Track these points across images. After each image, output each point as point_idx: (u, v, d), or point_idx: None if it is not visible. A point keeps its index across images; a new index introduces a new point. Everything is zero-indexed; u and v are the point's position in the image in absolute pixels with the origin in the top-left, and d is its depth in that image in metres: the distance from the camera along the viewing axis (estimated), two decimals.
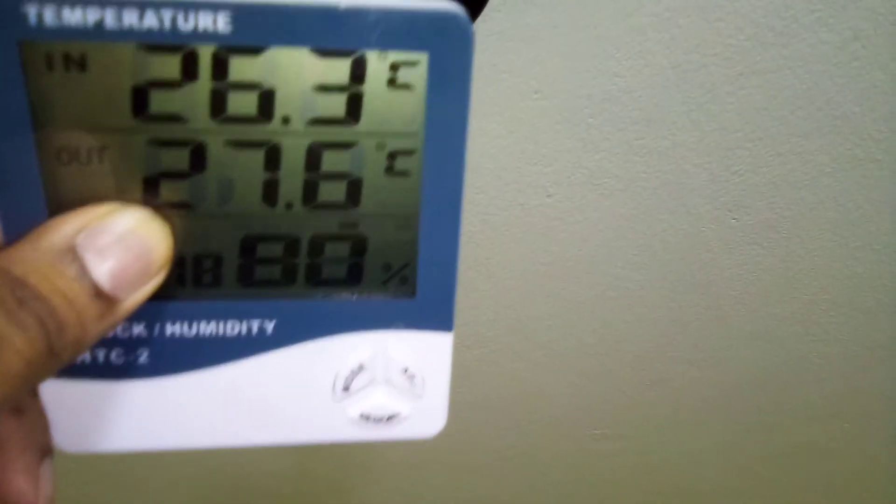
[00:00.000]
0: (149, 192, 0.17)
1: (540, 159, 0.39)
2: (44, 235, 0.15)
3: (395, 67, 0.16)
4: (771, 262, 0.44)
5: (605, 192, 0.41)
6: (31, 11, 0.15)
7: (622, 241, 0.43)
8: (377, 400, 0.20)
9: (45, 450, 0.18)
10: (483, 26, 0.34)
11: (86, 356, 0.18)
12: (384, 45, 0.16)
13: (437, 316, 0.19)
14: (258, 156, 0.17)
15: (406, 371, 0.19)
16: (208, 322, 0.18)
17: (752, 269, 0.45)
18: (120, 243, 0.16)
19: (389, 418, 0.20)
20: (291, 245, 0.18)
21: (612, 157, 0.39)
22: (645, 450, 0.53)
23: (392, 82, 0.17)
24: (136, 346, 0.18)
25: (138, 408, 0.19)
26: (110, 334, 0.18)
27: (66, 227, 0.16)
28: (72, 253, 0.15)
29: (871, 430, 0.54)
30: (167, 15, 0.15)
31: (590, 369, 0.48)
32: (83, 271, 0.15)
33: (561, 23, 0.35)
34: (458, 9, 0.16)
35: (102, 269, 0.15)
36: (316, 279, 0.18)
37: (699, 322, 0.47)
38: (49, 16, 0.15)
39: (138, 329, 0.18)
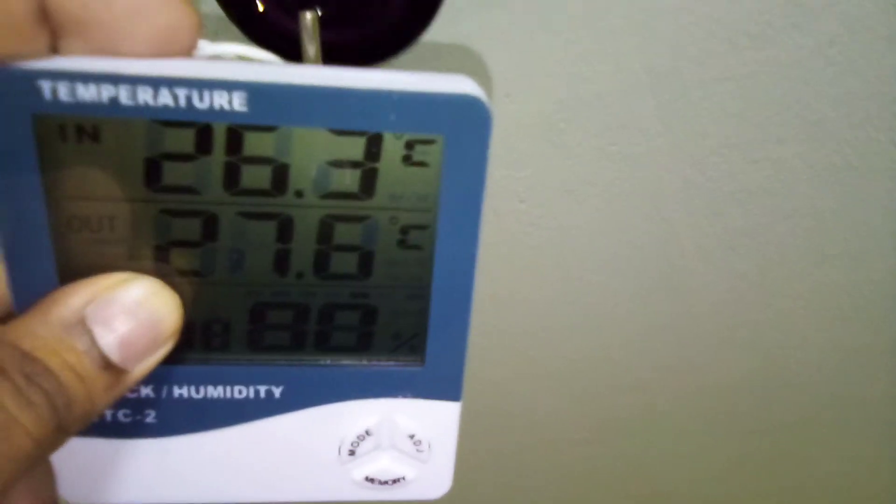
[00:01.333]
0: (159, 261, 0.17)
1: (512, 164, 0.39)
2: (53, 307, 0.15)
3: (410, 146, 0.16)
4: (746, 268, 0.44)
5: (578, 198, 0.40)
6: (46, 87, 0.15)
7: (596, 247, 0.43)
8: (383, 464, 0.20)
9: (50, 503, 0.18)
10: (452, 29, 0.33)
11: None
12: (401, 127, 0.16)
13: (445, 385, 0.19)
14: (270, 227, 0.17)
15: (412, 437, 0.19)
16: (216, 386, 0.18)
17: (728, 275, 0.45)
18: (129, 314, 0.16)
19: (395, 481, 0.20)
20: (301, 313, 0.18)
21: (585, 163, 0.39)
22: (622, 454, 0.54)
23: (407, 159, 0.16)
24: (143, 407, 0.18)
25: (144, 464, 0.19)
26: None
27: (76, 299, 0.16)
28: (81, 325, 0.15)
29: (848, 436, 0.54)
30: (182, 93, 0.15)
31: (565, 374, 0.49)
32: (92, 344, 0.15)
33: (532, 26, 0.34)
34: (475, 90, 0.16)
35: (111, 341, 0.15)
36: (325, 346, 0.18)
37: (675, 328, 0.47)
38: (63, 91, 0.15)
39: (146, 391, 0.18)
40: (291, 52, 0.21)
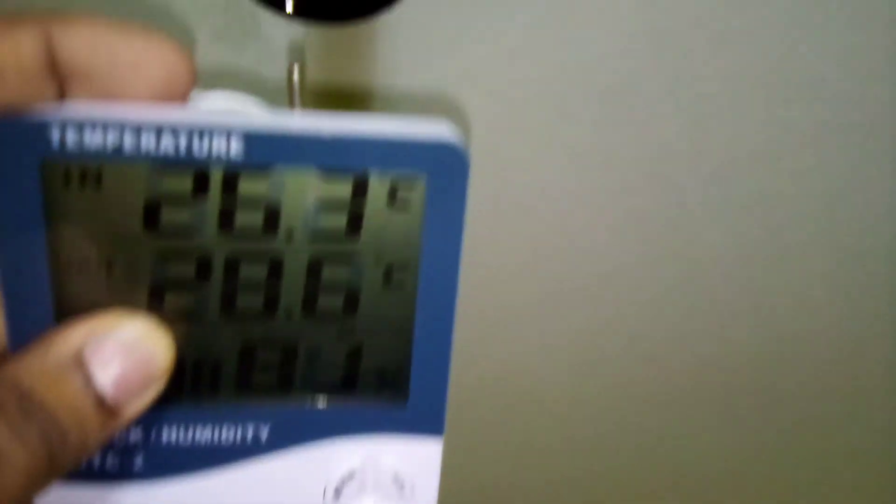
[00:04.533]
0: (154, 301, 0.18)
1: (518, 130, 0.39)
2: (52, 346, 0.16)
3: (394, 188, 0.18)
4: (759, 233, 0.43)
5: (584, 166, 0.40)
6: (55, 134, 0.16)
7: (604, 216, 0.42)
8: None
9: None
10: None
11: (80, 464, 0.18)
12: (385, 167, 0.17)
13: (427, 421, 0.20)
14: (261, 267, 0.18)
15: (396, 477, 0.20)
16: (204, 427, 0.19)
17: (740, 241, 0.44)
18: (124, 352, 0.16)
19: None
20: (289, 352, 0.19)
21: (589, 129, 0.39)
22: (642, 429, 0.51)
23: (392, 202, 0.18)
24: (131, 452, 0.18)
25: None
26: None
27: (73, 337, 0.16)
28: (77, 363, 0.16)
29: (868, 409, 0.52)
30: (183, 139, 0.16)
31: (575, 349, 0.47)
32: (88, 381, 0.16)
33: None
34: (453, 136, 0.17)
35: (106, 379, 0.16)
36: (311, 384, 0.19)
37: (687, 298, 0.46)
38: (71, 138, 0.16)
39: (134, 435, 0.18)
40: (285, 6, 0.22)
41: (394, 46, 0.35)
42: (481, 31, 0.36)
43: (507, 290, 0.44)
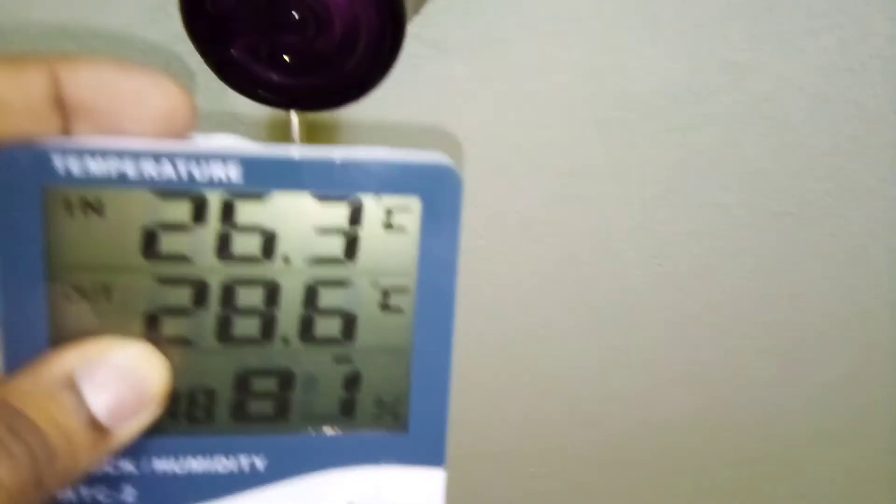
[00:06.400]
0: (150, 328, 0.18)
1: (472, 204, 0.41)
2: (44, 367, 0.16)
3: (390, 212, 0.18)
4: (694, 307, 0.47)
5: (534, 237, 0.43)
6: (58, 161, 0.16)
7: (552, 285, 0.45)
8: None
9: None
10: (414, 75, 0.36)
11: (72, 497, 0.18)
12: (380, 191, 0.18)
13: (428, 451, 0.19)
14: (258, 293, 0.18)
15: None
16: (198, 458, 0.18)
17: (677, 314, 0.47)
18: (117, 376, 0.16)
19: None
20: (286, 379, 0.19)
21: (540, 205, 0.42)
22: (577, 488, 0.54)
23: (388, 225, 0.18)
24: (124, 484, 0.18)
25: None
26: (99, 472, 0.18)
27: (67, 359, 0.16)
28: (70, 384, 0.16)
29: (798, 473, 0.56)
30: (182, 166, 0.17)
31: (518, 410, 0.50)
32: (79, 402, 0.16)
33: (488, 78, 0.38)
34: (447, 160, 0.18)
35: (98, 401, 0.16)
36: (309, 414, 0.19)
37: (628, 364, 0.49)
38: (74, 166, 0.16)
39: (127, 466, 0.18)
40: (261, 95, 0.24)
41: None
42: (439, 110, 0.39)
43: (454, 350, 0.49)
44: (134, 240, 0.17)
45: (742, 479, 0.55)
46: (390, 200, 0.18)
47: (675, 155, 0.41)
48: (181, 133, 0.17)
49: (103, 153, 0.16)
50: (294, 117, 0.22)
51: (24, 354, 0.17)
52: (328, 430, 0.19)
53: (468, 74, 0.39)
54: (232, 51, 0.26)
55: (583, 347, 0.48)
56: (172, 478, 0.18)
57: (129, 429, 0.17)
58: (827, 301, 0.48)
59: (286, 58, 0.26)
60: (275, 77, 0.27)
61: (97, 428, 0.16)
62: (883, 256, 0.47)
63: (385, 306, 0.19)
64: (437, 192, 0.18)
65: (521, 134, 0.40)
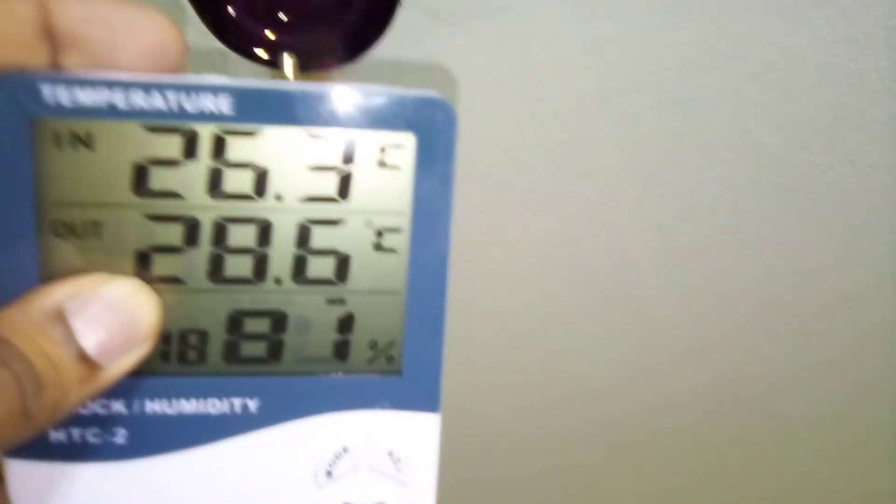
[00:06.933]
0: (141, 267, 0.17)
1: (473, 176, 0.41)
2: (33, 299, 0.16)
3: (384, 149, 0.18)
4: (697, 282, 0.46)
5: (536, 211, 0.43)
6: (47, 91, 0.16)
7: (553, 259, 0.45)
8: (361, 487, 0.19)
9: None
10: (415, 48, 0.36)
11: (60, 435, 0.18)
12: (373, 127, 0.17)
13: (422, 395, 0.19)
14: (250, 231, 0.18)
15: (391, 454, 0.19)
16: (190, 400, 0.18)
17: (680, 289, 0.47)
18: (108, 311, 0.16)
19: None
20: (278, 320, 0.18)
21: (541, 177, 0.42)
22: (579, 465, 0.54)
23: (381, 163, 0.18)
24: (113, 425, 0.18)
25: (111, 496, 0.18)
26: (88, 412, 0.17)
27: (56, 293, 0.16)
28: (59, 317, 0.16)
29: (801, 452, 0.55)
30: (173, 97, 0.16)
31: (521, 387, 0.49)
32: (69, 336, 0.16)
33: (488, 48, 0.38)
34: (441, 96, 0.18)
35: (88, 335, 0.16)
36: (302, 356, 0.19)
37: (630, 341, 0.48)
38: (63, 95, 0.16)
39: (117, 406, 0.18)
40: (260, 56, 0.24)
41: None
42: (441, 84, 0.39)
43: (453, 326, 0.48)
44: (124, 175, 0.17)
45: (746, 456, 0.55)
46: (384, 137, 0.18)
47: (677, 128, 0.41)
48: (172, 69, 0.17)
49: (93, 83, 0.16)
50: (287, 59, 0.22)
51: (12, 292, 0.16)
52: (321, 373, 0.19)
53: (468, 45, 0.38)
54: (229, 8, 0.26)
55: (583, 322, 0.48)
56: (164, 420, 0.18)
57: (119, 366, 0.16)
58: (830, 276, 0.48)
59: (282, 15, 0.26)
60: (271, 35, 0.27)
61: (87, 362, 0.16)
62: (886, 232, 0.47)
63: (379, 246, 0.18)
64: (432, 128, 0.18)
65: (521, 105, 0.40)
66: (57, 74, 0.16)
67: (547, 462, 0.53)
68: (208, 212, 0.18)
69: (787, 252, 0.47)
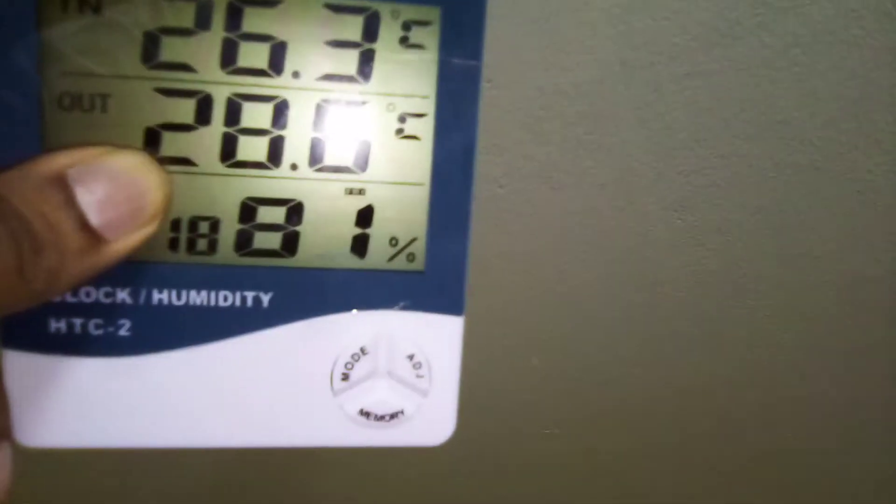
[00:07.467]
0: (150, 145, 0.16)
1: (491, 149, 0.40)
2: (33, 164, 0.15)
3: (407, 26, 0.17)
4: (715, 264, 0.45)
5: (555, 186, 0.42)
6: None
7: (571, 236, 0.44)
8: (379, 394, 0.18)
9: (2, 433, 0.16)
10: None
11: (60, 324, 0.16)
12: (397, 1, 0.16)
13: (445, 297, 0.18)
14: (265, 110, 0.17)
15: (412, 358, 0.18)
16: (200, 291, 0.17)
17: (698, 270, 0.46)
18: (112, 181, 0.15)
19: (392, 416, 0.18)
20: (294, 210, 0.17)
21: (561, 151, 0.41)
22: (592, 448, 0.52)
23: (404, 41, 0.17)
24: (118, 316, 0.17)
25: (113, 394, 0.17)
26: (91, 300, 0.16)
27: (59, 159, 0.15)
28: (61, 182, 0.15)
29: (815, 436, 0.53)
30: None
31: (532, 367, 0.48)
32: (70, 200, 0.15)
33: (511, 14, 0.37)
34: None
35: (91, 201, 0.15)
36: (318, 250, 0.17)
37: (646, 321, 0.47)
38: None
39: (122, 295, 0.17)
40: None
41: None
42: None
43: (470, 301, 0.48)
44: (133, 44, 0.16)
45: (762, 442, 0.53)
46: (408, 12, 0.17)
47: (700, 101, 0.40)
48: None
49: None
50: None
51: (14, 162, 0.15)
52: (339, 268, 0.18)
53: (489, 13, 0.38)
54: None
55: (599, 301, 0.46)
56: (171, 312, 0.17)
57: (122, 242, 0.15)
58: (851, 260, 0.47)
59: None
60: None
61: (88, 231, 0.15)
62: None
63: (401, 133, 0.17)
64: (459, 5, 0.17)
65: (544, 76, 0.39)
66: None
67: (558, 445, 0.52)
68: (221, 88, 0.17)
69: (809, 235, 0.46)
